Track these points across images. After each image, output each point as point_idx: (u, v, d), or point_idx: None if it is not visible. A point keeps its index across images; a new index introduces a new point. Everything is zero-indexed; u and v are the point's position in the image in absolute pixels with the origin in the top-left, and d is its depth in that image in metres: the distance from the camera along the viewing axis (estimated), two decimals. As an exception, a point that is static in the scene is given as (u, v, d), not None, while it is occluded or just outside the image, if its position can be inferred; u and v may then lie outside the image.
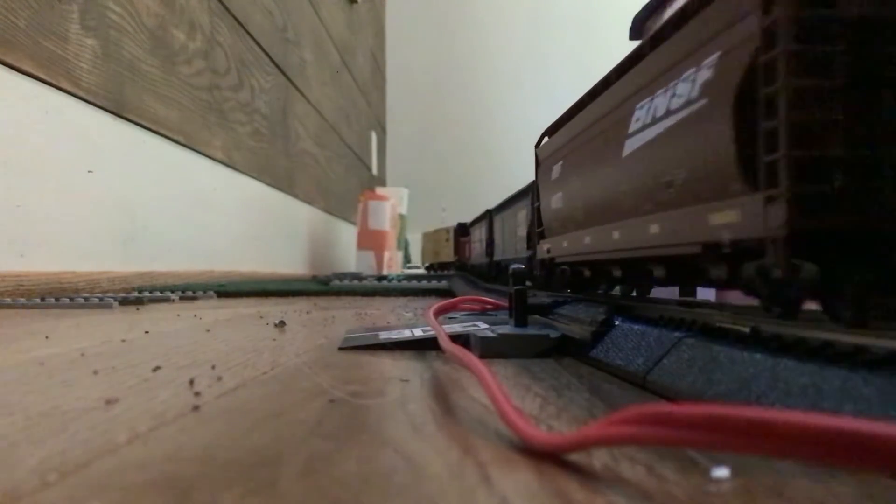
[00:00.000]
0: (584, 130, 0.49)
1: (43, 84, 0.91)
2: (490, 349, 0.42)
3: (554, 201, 0.58)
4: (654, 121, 0.35)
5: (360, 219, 2.27)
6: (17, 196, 0.87)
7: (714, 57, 0.29)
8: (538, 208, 0.66)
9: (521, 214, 0.89)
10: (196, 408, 0.26)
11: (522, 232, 0.88)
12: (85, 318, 0.70)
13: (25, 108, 0.88)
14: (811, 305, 0.28)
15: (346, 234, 2.81)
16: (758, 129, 0.26)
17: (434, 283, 1.43)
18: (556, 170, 0.57)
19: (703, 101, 0.30)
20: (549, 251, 0.61)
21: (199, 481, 0.18)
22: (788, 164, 0.24)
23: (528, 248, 0.81)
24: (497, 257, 1.16)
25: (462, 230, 1.94)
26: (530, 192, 0.79)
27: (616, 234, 0.42)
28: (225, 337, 0.53)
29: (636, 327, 0.37)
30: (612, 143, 0.42)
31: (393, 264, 2.31)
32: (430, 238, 2.62)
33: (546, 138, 0.62)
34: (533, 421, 0.25)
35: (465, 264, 1.82)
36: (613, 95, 0.43)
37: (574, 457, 0.20)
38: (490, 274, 1.25)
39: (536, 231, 0.68)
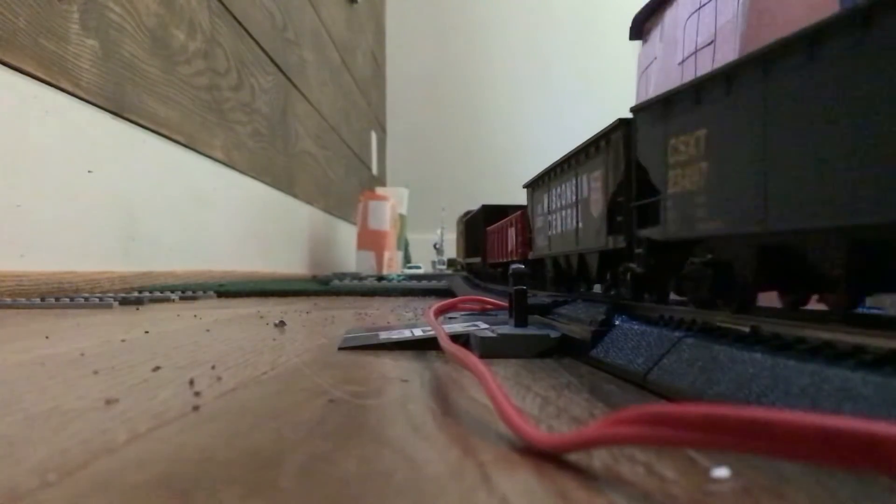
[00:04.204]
0: None
1: (43, 84, 0.91)
2: (490, 349, 0.42)
3: None
4: None
5: (360, 219, 2.27)
6: (17, 196, 0.87)
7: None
8: None
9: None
10: (196, 408, 0.26)
11: None
12: (85, 318, 0.69)
13: (25, 108, 0.88)
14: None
15: (346, 234, 2.80)
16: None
17: (434, 283, 1.42)
18: None
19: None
20: None
21: (199, 481, 0.18)
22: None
23: None
24: (688, 232, 0.35)
25: (488, 214, 1.18)
26: None
27: None
28: (225, 337, 0.53)
29: (636, 327, 0.37)
30: None
31: (393, 264, 2.31)
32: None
33: None
34: (533, 421, 0.25)
35: (499, 266, 1.03)
36: None
37: (574, 457, 0.20)
38: (620, 276, 0.47)
39: None
